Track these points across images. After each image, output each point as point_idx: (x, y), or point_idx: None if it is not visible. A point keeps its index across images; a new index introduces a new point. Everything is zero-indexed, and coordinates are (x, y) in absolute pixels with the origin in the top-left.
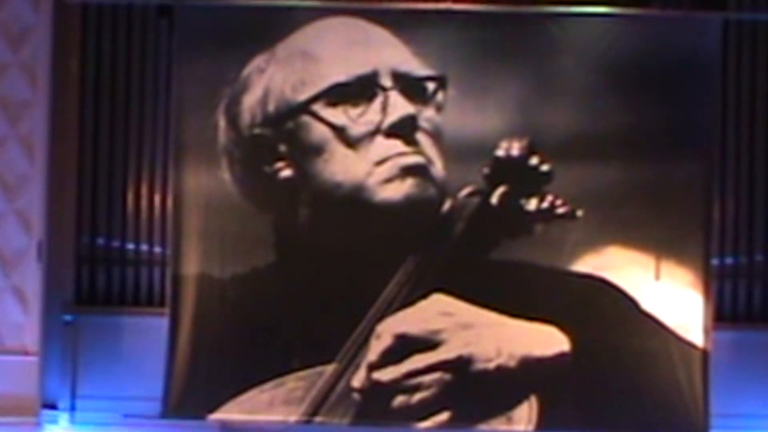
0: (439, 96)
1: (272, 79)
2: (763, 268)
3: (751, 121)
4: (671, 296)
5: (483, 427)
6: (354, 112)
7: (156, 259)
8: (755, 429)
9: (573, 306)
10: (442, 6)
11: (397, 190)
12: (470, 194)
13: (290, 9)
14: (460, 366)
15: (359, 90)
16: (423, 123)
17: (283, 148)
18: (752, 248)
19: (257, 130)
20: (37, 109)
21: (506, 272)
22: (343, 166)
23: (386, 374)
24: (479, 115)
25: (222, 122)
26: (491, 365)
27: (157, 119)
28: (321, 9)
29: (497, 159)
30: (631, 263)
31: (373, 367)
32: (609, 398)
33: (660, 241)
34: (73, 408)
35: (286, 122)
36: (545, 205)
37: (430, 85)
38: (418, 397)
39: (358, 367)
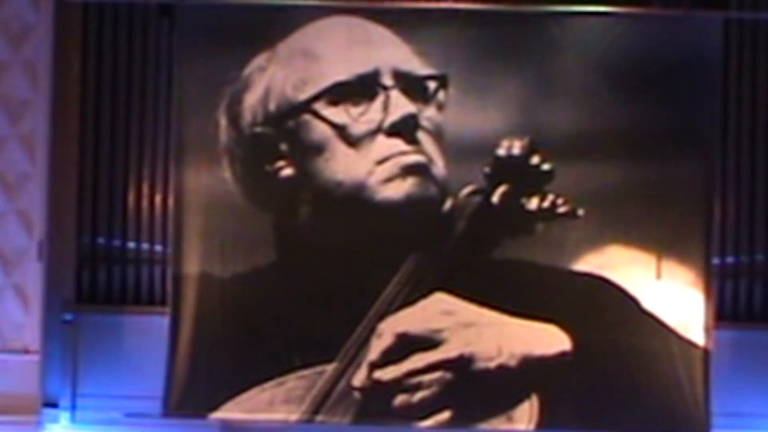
0: (440, 95)
1: (273, 78)
2: (763, 267)
3: (752, 121)
4: (672, 295)
5: (484, 426)
6: (355, 111)
7: (157, 258)
8: (756, 428)
9: (574, 305)
10: (443, 5)
11: (398, 189)
12: (471, 193)
13: (291, 8)
14: (460, 365)
15: (360, 89)
16: (424, 122)
17: (284, 147)
18: (753, 247)
19: (258, 129)
20: (38, 108)
21: (507, 271)
22: (344, 165)
23: (387, 373)
24: (480, 114)
25: (223, 121)
26: (492, 364)
27: (158, 118)
28: (322, 8)
29: (498, 158)
30: (632, 262)
31: (374, 366)
32: (610, 397)
33: (661, 240)
34: (73, 407)
35: (287, 121)
36: (546, 204)
37: (431, 84)
38: (418, 396)
39: (358, 366)
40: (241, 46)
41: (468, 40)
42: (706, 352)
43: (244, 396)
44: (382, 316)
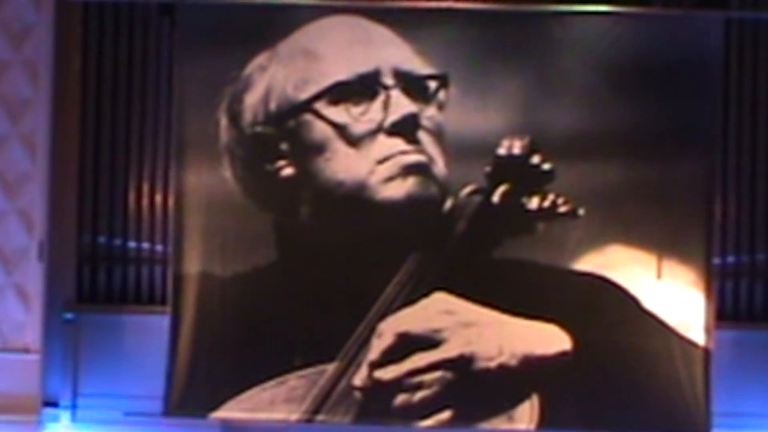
0: (441, 95)
1: (274, 77)
2: (764, 266)
3: (752, 120)
4: (673, 295)
5: (484, 425)
6: (356, 110)
7: (157, 257)
8: (757, 428)
9: (574, 305)
10: (444, 4)
11: (399, 189)
12: (472, 193)
13: (292, 7)
14: (461, 365)
15: (361, 88)
16: (425, 121)
17: (284, 146)
18: (754, 247)
19: (259, 129)
20: (39, 107)
21: (508, 271)
22: (344, 165)
23: (388, 373)
24: (481, 114)
25: (224, 120)
26: (493, 364)
27: (158, 117)
28: (323, 7)
29: (499, 157)
30: (632, 262)
31: (374, 366)
32: (610, 397)
33: (661, 239)
34: (74, 406)
35: (287, 121)
36: (547, 203)
37: (432, 84)
38: (419, 395)
39: (359, 365)
40: (241, 46)
41: (469, 39)
42: (706, 351)
43: (245, 395)
44: (382, 316)
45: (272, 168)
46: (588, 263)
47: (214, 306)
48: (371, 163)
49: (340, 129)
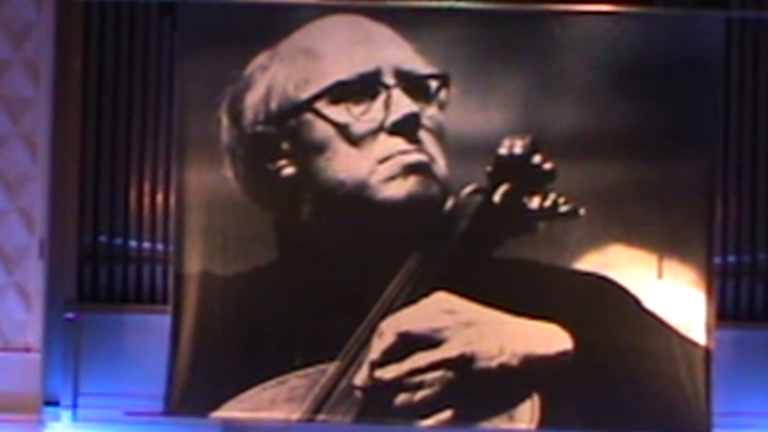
0: (442, 94)
1: (275, 76)
2: (765, 266)
3: (753, 120)
4: (674, 294)
5: (485, 425)
6: (357, 110)
7: (158, 256)
8: (757, 427)
9: (575, 304)
10: (445, 4)
11: (400, 188)
12: (473, 192)
13: (293, 7)
14: (462, 364)
15: (362, 88)
16: (426, 121)
17: (285, 146)
18: (755, 246)
19: (260, 128)
20: (40, 106)
21: (509, 270)
22: (345, 164)
23: (388, 372)
24: (482, 113)
25: (224, 120)
26: (493, 363)
27: (159, 117)
28: (324, 7)
29: (500, 157)
30: (633, 262)
31: (375, 365)
32: (611, 397)
33: (662, 239)
34: (75, 405)
35: (288, 120)
36: (548, 203)
37: (433, 83)
38: (420, 395)
39: (360, 365)
40: (242, 45)
41: (470, 39)
42: (707, 351)
43: (246, 395)
44: (383, 315)
45: (273, 167)
46: (589, 263)
47: (215, 305)
48: (372, 163)
49: (341, 128)
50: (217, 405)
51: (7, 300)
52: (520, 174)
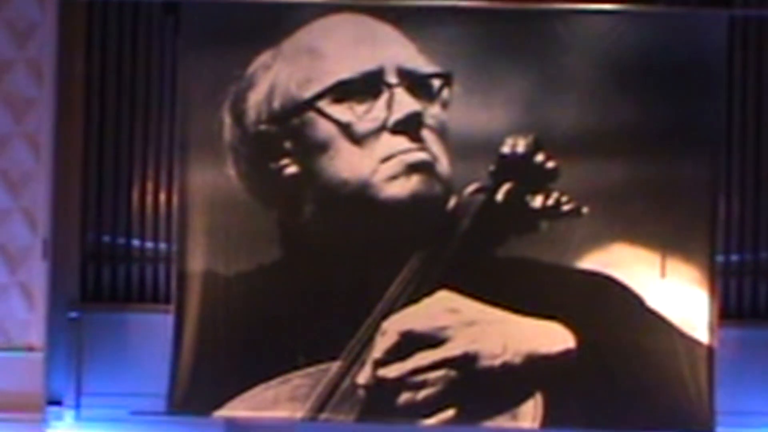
0: (445, 93)
1: (278, 75)
2: None
3: (757, 118)
4: (677, 293)
5: (488, 424)
6: (360, 109)
7: (161, 256)
8: (761, 426)
9: (578, 303)
10: (448, 3)
11: (403, 187)
12: (476, 191)
13: (296, 6)
14: (465, 363)
15: (365, 87)
16: (428, 120)
17: (288, 145)
18: (758, 245)
19: (263, 127)
20: (43, 106)
21: (512, 269)
22: (348, 163)
23: (391, 371)
24: (485, 112)
25: (227, 119)
26: (497, 362)
27: (162, 116)
28: (327, 6)
29: (503, 156)
30: (636, 260)
31: (378, 364)
32: (614, 395)
33: (665, 238)
34: (78, 405)
35: (291, 119)
36: (551, 202)
37: (436, 82)
38: (423, 394)
39: (363, 364)
40: (245, 44)
41: (473, 38)
42: (710, 350)
43: (249, 394)
44: (386, 314)
45: (276, 166)
46: (592, 262)
47: (218, 304)
48: (375, 162)
49: (344, 127)
50: (220, 404)
51: (10, 299)
52: (523, 173)
